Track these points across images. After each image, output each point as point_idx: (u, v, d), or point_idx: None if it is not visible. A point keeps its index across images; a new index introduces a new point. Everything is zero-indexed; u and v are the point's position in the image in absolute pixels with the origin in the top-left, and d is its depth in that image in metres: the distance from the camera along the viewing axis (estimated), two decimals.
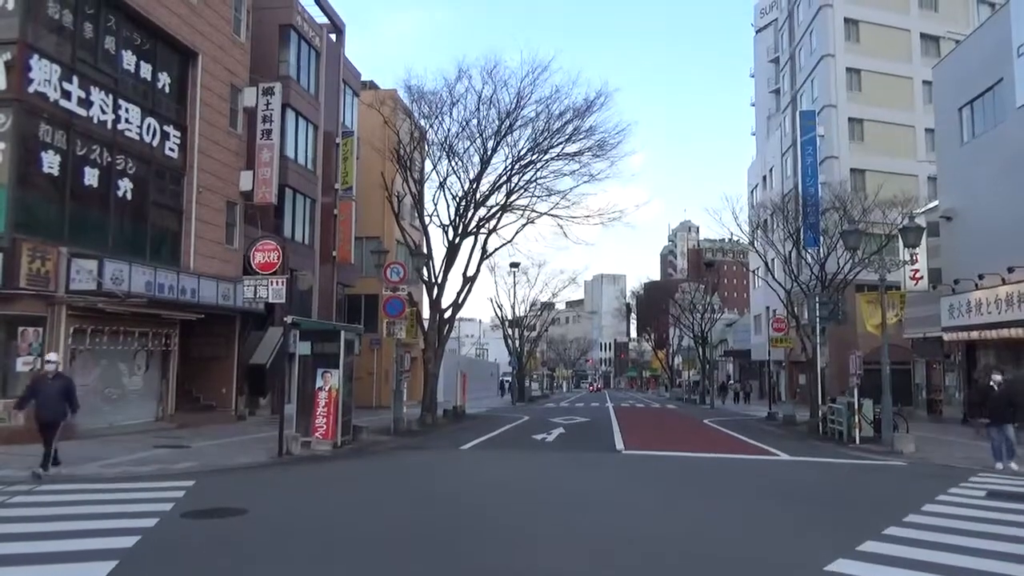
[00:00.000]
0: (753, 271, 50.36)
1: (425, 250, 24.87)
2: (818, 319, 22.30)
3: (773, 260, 29.97)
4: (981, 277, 22.51)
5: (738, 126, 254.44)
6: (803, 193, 35.79)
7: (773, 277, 29.04)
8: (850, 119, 41.47)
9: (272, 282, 14.74)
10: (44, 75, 15.73)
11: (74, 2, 16.80)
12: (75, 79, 16.63)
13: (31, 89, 15.41)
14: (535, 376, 72.42)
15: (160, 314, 18.85)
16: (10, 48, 15.18)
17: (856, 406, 18.35)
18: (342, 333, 16.35)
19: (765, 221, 32.65)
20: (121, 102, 18.18)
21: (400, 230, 26.26)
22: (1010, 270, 21.09)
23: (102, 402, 17.97)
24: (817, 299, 22.67)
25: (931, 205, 30.36)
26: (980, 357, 25.05)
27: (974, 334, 23.61)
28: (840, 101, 41.46)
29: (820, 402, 22.10)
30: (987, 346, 24.30)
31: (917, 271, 27.27)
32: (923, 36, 43.47)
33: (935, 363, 28.79)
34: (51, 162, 16.06)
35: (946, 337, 25.30)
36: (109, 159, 17.81)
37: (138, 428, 18.33)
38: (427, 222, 25.65)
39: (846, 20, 42.78)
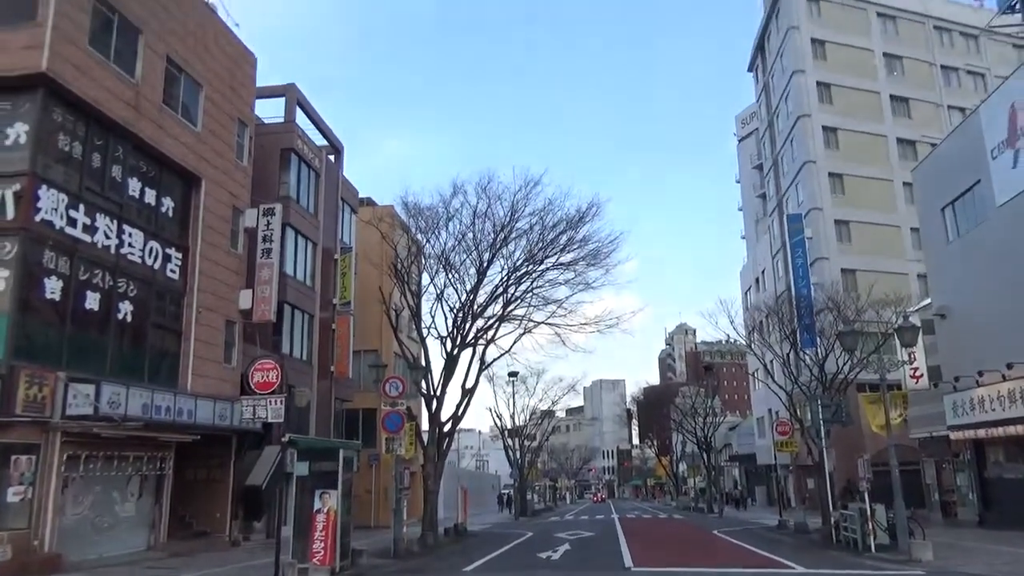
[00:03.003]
0: (752, 373, 50.15)
1: (423, 363, 24.82)
2: (822, 422, 22.04)
3: (772, 362, 29.93)
4: (981, 374, 22.44)
5: (728, 229, 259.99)
6: (796, 294, 36.21)
7: (773, 380, 28.90)
8: (836, 221, 42.54)
9: (271, 401, 14.61)
10: (51, 204, 16.17)
11: (84, 134, 17.49)
12: (81, 207, 17.09)
13: (38, 218, 15.81)
14: (537, 488, 70.54)
15: (156, 437, 18.55)
16: (20, 179, 15.64)
17: (868, 512, 17.85)
18: (340, 451, 16.06)
19: (761, 323, 32.86)
20: (125, 227, 18.60)
21: (398, 343, 26.30)
22: (1009, 366, 21.05)
23: (93, 532, 17.40)
24: (819, 401, 22.48)
25: (924, 303, 30.64)
26: (989, 455, 24.62)
27: (981, 432, 23.30)
28: (825, 204, 42.64)
29: (831, 508, 21.52)
30: (995, 444, 23.93)
31: (917, 369, 27.21)
32: (899, 140, 45.28)
33: (944, 463, 28.24)
34: (53, 288, 16.25)
35: (953, 436, 24.94)
36: (111, 283, 18.04)
37: (129, 558, 17.66)
38: (425, 334, 25.73)
39: (824, 128, 44.64)
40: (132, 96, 18.66)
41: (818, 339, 28.21)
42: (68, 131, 17.02)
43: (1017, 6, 26.03)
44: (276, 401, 14.63)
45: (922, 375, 27.35)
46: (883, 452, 20.60)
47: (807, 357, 28.05)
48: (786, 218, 43.61)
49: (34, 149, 15.93)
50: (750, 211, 65.91)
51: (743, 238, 69.28)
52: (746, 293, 55.83)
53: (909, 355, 25.76)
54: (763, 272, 51.39)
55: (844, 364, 24.46)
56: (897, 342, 20.56)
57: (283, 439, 15.03)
